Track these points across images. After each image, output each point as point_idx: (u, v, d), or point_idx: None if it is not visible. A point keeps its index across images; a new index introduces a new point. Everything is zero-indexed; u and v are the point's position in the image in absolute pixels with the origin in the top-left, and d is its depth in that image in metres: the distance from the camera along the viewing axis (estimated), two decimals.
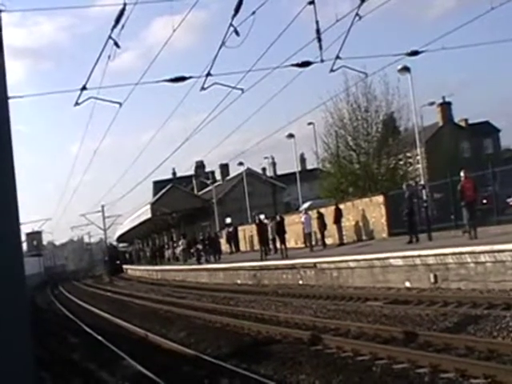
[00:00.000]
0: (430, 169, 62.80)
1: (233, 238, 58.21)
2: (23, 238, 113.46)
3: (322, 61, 20.26)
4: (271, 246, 42.73)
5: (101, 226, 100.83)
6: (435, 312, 17.72)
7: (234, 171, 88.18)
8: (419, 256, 23.46)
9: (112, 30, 16.90)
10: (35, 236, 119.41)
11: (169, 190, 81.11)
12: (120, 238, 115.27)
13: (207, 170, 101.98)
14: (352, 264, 27.89)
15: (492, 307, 16.98)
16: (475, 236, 24.27)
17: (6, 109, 6.37)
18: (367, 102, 48.25)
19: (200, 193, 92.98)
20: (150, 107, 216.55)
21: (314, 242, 39.23)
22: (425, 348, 13.41)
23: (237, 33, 17.62)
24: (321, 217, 38.86)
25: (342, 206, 39.12)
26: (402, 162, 50.60)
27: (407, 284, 23.93)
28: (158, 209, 77.71)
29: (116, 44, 17.27)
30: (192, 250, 60.15)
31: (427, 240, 27.59)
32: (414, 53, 22.38)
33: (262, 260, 39.36)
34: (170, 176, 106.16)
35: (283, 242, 39.17)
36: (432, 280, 22.56)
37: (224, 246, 58.39)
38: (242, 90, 22.68)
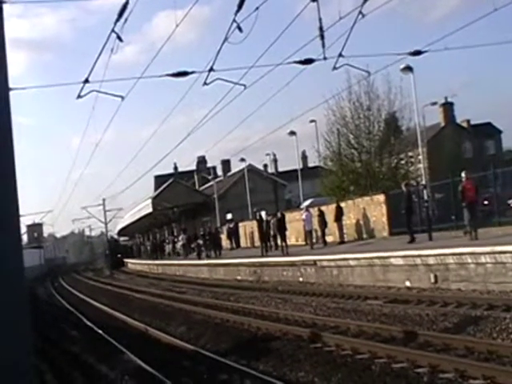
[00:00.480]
0: (432, 169, 62.67)
1: (233, 234, 58.24)
2: (24, 229, 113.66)
3: (325, 58, 20.25)
4: (272, 243, 42.77)
5: (102, 220, 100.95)
6: (435, 312, 17.75)
7: (236, 167, 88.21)
8: (420, 256, 23.48)
9: (115, 23, 16.88)
10: (36, 228, 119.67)
11: (170, 185, 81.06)
12: (121, 232, 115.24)
13: (209, 165, 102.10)
14: (352, 262, 27.92)
15: (492, 308, 17.00)
16: (476, 237, 24.28)
17: (7, 100, 6.39)
18: (369, 101, 48.18)
19: (201, 188, 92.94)
20: (153, 101, 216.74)
21: (314, 240, 39.26)
22: (424, 348, 13.44)
23: (240, 29, 17.61)
24: (321, 215, 38.86)
25: (343, 205, 39.11)
26: (403, 162, 50.48)
27: (407, 283, 23.95)
28: (159, 203, 77.66)
29: (119, 38, 17.26)
30: (193, 245, 60.21)
31: (428, 240, 27.59)
32: (417, 52, 22.32)
33: (262, 256, 39.42)
34: (171, 171, 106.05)
35: (284, 238, 39.22)
36: (432, 280, 22.59)
37: (225, 242, 58.42)
38: (244, 86, 22.69)
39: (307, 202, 50.76)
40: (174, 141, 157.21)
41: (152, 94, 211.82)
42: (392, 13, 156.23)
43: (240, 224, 59.84)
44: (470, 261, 20.98)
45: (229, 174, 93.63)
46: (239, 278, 40.21)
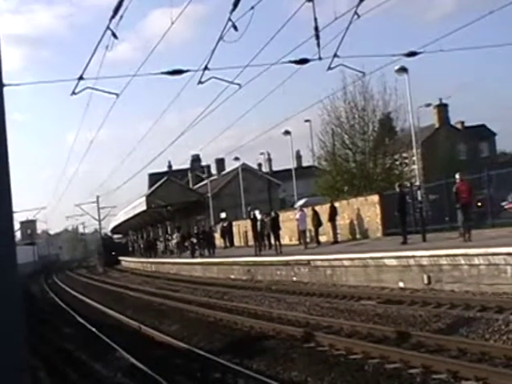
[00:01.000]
0: (426, 170, 62.78)
1: (227, 233, 58.23)
2: (17, 226, 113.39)
3: (320, 58, 20.32)
4: (266, 242, 42.78)
5: (95, 217, 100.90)
6: (428, 313, 17.77)
7: (230, 166, 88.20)
8: (413, 257, 23.53)
9: (110, 20, 16.90)
10: (29, 225, 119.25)
11: (164, 183, 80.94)
12: (114, 230, 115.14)
13: (203, 163, 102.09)
14: (346, 262, 27.95)
15: (485, 310, 17.03)
16: (469, 238, 24.34)
17: (1, 97, 6.36)
18: (364, 101, 48.25)
19: (195, 187, 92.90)
20: (147, 99, 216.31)
21: (308, 240, 39.28)
22: (417, 348, 13.47)
23: (235, 27, 17.65)
24: (316, 214, 38.88)
25: (337, 204, 39.14)
26: (397, 163, 50.62)
27: (401, 284, 23.99)
28: (152, 201, 77.60)
29: (114, 35, 17.28)
30: (186, 244, 60.21)
31: (422, 241, 27.63)
32: (412, 54, 22.41)
33: (256, 255, 39.42)
34: (165, 169, 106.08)
35: (278, 238, 39.23)
36: (425, 281, 22.63)
37: (218, 241, 58.38)
38: (239, 85, 22.79)
39: (301, 202, 50.80)
40: (169, 139, 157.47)
41: (147, 91, 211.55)
42: (387, 14, 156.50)
43: (234, 223, 59.85)
44: (463, 262, 21.03)
45: (223, 172, 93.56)
46: (233, 276, 40.21)
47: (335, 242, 37.58)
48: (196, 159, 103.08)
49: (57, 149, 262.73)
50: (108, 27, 17.08)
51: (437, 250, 22.82)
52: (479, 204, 30.51)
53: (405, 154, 51.55)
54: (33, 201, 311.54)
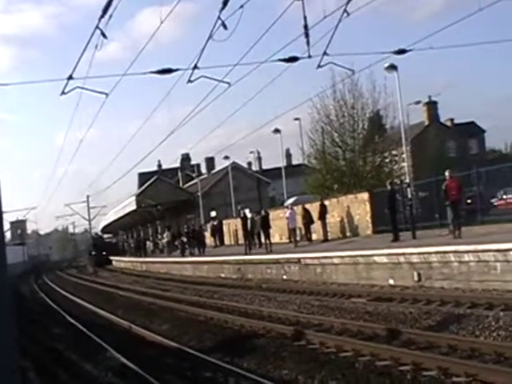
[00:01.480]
0: (416, 167, 62.92)
1: (217, 232, 58.17)
2: (7, 226, 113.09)
3: (310, 56, 20.26)
4: (256, 241, 42.77)
5: (85, 217, 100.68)
6: (418, 310, 17.81)
7: (220, 165, 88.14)
8: (403, 254, 23.56)
9: (99, 19, 16.83)
10: (19, 225, 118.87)
11: (154, 182, 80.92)
12: (104, 229, 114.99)
13: (193, 162, 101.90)
14: (336, 260, 27.98)
15: (475, 306, 17.09)
16: (459, 235, 24.39)
17: None
18: (354, 99, 48.21)
19: (185, 186, 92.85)
20: (137, 98, 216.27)
21: (298, 238, 39.29)
22: (408, 346, 13.48)
23: (224, 26, 17.61)
24: (307, 212, 38.88)
25: (326, 203, 39.13)
26: (387, 160, 50.61)
27: (391, 281, 24.03)
28: (142, 200, 77.57)
29: (103, 34, 17.22)
30: (176, 243, 60.19)
31: (411, 238, 27.66)
32: (402, 51, 22.38)
33: (246, 254, 39.43)
34: (155, 168, 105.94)
35: (268, 236, 39.22)
36: (416, 278, 22.68)
37: (208, 240, 58.35)
38: (228, 83, 22.71)
39: (291, 200, 50.82)
40: (159, 138, 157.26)
41: (136, 91, 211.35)
42: (377, 12, 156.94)
43: (224, 222, 59.79)
44: (453, 259, 21.08)
45: (213, 171, 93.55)
46: (223, 275, 40.21)
47: (325, 240, 37.58)
48: (186, 158, 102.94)
49: (46, 149, 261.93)
50: (97, 27, 17.01)
51: (427, 247, 22.87)
52: (469, 201, 30.60)
53: (394, 152, 51.61)
54: (23, 201, 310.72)
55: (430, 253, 22.18)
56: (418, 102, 66.63)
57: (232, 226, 56.34)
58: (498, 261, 19.30)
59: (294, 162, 78.00)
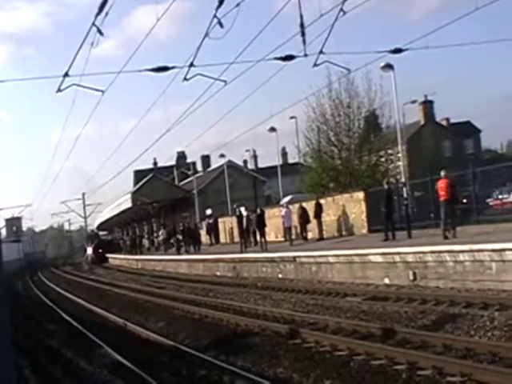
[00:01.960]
0: (411, 167, 62.91)
1: (213, 230, 58.10)
2: (2, 223, 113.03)
3: (306, 55, 20.33)
4: (251, 239, 42.76)
5: (81, 214, 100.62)
6: (413, 309, 17.84)
7: (216, 163, 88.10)
8: (398, 253, 23.59)
9: (96, 17, 16.85)
10: (15, 222, 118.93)
11: (149, 180, 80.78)
12: (100, 226, 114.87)
13: (188, 160, 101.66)
14: (331, 259, 28.00)
15: (470, 306, 17.11)
16: (454, 235, 24.31)
17: None
18: (349, 98, 48.17)
19: (181, 183, 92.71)
20: (133, 96, 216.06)
21: (293, 237, 39.28)
22: (402, 345, 13.51)
23: (221, 24, 17.64)
24: (304, 211, 38.87)
25: (322, 201, 39.15)
26: (383, 159, 50.61)
27: (386, 281, 24.06)
28: (138, 198, 77.46)
29: (99, 31, 17.24)
30: (172, 241, 60.18)
31: (407, 238, 27.69)
32: (398, 50, 22.41)
33: (241, 252, 39.42)
34: (151, 166, 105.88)
35: (263, 235, 39.20)
36: (411, 277, 22.69)
37: (204, 238, 58.31)
38: (224, 81, 22.76)
39: (287, 199, 50.84)
40: (154, 136, 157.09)
41: (132, 88, 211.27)
42: (373, 10, 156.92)
43: (219, 220, 59.73)
44: (448, 259, 21.10)
45: (208, 169, 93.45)
46: (218, 273, 40.21)
47: (321, 238, 37.60)
48: (182, 156, 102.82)
49: (42, 146, 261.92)
50: (93, 24, 17.03)
51: (422, 246, 22.89)
52: (464, 201, 30.61)
53: (390, 151, 51.58)
54: (18, 198, 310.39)
55: (425, 252, 22.21)
56: (413, 102, 66.62)
57: (227, 224, 56.33)
58: (493, 260, 19.33)
59: (290, 160, 77.89)
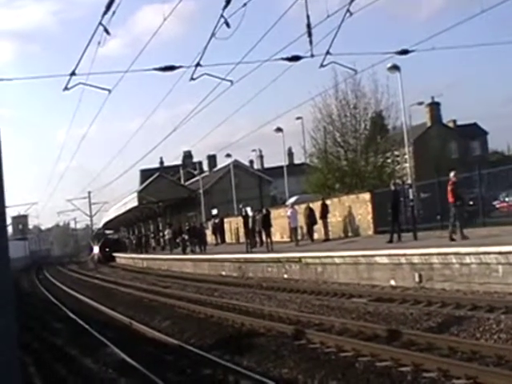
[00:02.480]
0: (417, 168, 62.87)
1: (218, 230, 58.15)
2: (9, 221, 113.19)
3: (312, 56, 20.31)
4: (257, 239, 42.76)
5: (87, 212, 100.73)
6: (419, 311, 17.80)
7: (222, 162, 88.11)
8: (404, 255, 23.56)
9: (103, 16, 16.86)
10: (21, 220, 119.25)
11: (156, 179, 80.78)
12: (106, 225, 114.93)
13: (195, 160, 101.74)
14: (337, 260, 27.98)
15: (476, 309, 17.07)
16: (463, 236, 24.12)
17: None
18: (356, 99, 48.21)
19: (187, 183, 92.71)
20: (139, 95, 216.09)
21: (299, 237, 39.27)
22: (408, 347, 13.48)
23: (227, 24, 17.64)
24: (311, 211, 38.84)
25: (328, 202, 39.15)
26: (389, 161, 50.62)
27: (392, 282, 24.03)
28: (144, 197, 77.50)
29: (106, 30, 17.25)
30: (177, 240, 60.21)
31: (413, 239, 27.64)
32: (404, 52, 22.39)
33: (247, 252, 39.42)
34: (157, 165, 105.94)
35: (269, 235, 39.19)
36: (417, 279, 22.66)
37: (210, 237, 58.34)
38: (231, 81, 22.74)
39: (293, 199, 50.79)
40: (161, 135, 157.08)
41: (139, 87, 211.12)
42: (380, 11, 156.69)
43: (225, 220, 59.76)
44: (454, 261, 21.07)
45: (215, 169, 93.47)
46: (224, 273, 40.22)
47: (326, 239, 37.59)
48: (188, 155, 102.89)
49: (48, 144, 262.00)
50: (100, 23, 17.03)
51: (428, 248, 22.86)
52: (471, 203, 30.55)
53: (396, 152, 51.59)
54: (24, 196, 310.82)
55: (431, 254, 22.17)
56: (420, 103, 66.54)
57: (233, 224, 56.35)
58: (499, 263, 19.29)
59: (296, 160, 77.89)
